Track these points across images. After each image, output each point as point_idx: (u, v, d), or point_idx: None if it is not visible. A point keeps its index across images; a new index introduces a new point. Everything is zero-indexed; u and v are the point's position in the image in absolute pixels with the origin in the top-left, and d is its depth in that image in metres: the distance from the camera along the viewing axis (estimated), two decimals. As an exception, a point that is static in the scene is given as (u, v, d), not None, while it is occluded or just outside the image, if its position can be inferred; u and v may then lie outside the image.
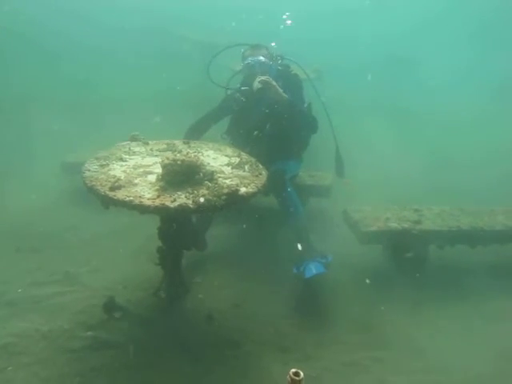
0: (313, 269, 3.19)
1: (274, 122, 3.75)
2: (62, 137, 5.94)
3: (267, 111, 3.73)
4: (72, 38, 10.38)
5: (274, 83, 3.52)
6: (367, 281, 3.50)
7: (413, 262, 3.62)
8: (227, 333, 2.87)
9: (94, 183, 2.54)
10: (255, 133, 3.77)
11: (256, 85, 3.53)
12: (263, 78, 3.51)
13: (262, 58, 3.77)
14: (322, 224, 4.27)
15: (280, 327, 2.98)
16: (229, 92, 4.01)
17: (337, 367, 2.69)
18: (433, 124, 8.07)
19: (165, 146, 3.26)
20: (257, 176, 2.86)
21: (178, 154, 2.80)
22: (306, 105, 3.86)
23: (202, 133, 3.98)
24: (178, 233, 2.98)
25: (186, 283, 3.23)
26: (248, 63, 3.80)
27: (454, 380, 2.65)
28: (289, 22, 8.89)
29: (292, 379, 1.02)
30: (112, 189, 2.48)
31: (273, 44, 3.99)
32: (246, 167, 2.98)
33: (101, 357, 2.61)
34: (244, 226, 4.27)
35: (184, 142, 3.39)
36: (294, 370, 1.02)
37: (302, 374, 1.02)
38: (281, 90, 3.54)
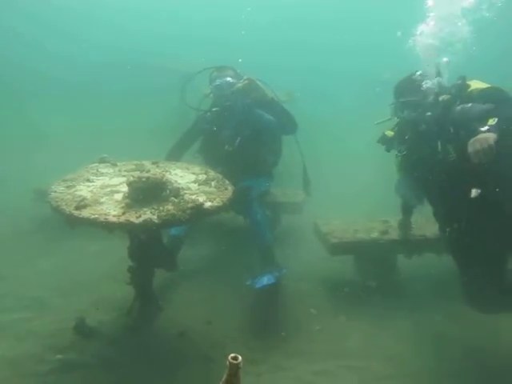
0: (265, 280, 3.31)
1: (243, 136, 3.88)
2: (38, 166, 5.96)
3: (239, 122, 3.92)
4: (49, 75, 10.55)
5: (258, 83, 3.80)
6: (345, 290, 3.59)
7: (381, 271, 3.71)
8: (199, 348, 2.87)
9: (59, 203, 2.58)
10: (226, 147, 3.88)
11: (241, 83, 3.79)
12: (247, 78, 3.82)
13: (229, 78, 3.92)
14: (294, 238, 4.35)
15: (251, 341, 3.00)
16: (200, 113, 4.14)
17: (308, 377, 2.71)
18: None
19: (133, 166, 3.32)
20: (222, 191, 2.94)
21: (145, 173, 2.88)
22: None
23: (179, 156, 4.06)
24: (148, 251, 3.01)
25: (159, 301, 3.24)
26: (216, 85, 3.95)
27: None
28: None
29: (230, 363, 1.07)
30: (77, 208, 2.52)
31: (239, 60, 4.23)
32: (213, 183, 3.06)
33: (70, 379, 2.58)
34: (218, 246, 4.33)
35: (153, 163, 3.45)
36: (232, 355, 1.08)
37: (240, 357, 1.07)
38: (262, 86, 3.82)
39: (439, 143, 2.89)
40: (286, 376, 2.69)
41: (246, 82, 3.81)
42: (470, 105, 2.77)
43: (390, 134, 3.23)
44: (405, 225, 3.68)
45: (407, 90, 3.00)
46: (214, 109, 4.00)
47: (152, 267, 3.12)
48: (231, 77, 3.93)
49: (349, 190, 5.76)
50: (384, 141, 3.26)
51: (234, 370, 1.08)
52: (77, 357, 2.75)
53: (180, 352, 2.86)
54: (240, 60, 4.24)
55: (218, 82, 3.93)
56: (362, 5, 13.15)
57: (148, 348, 2.86)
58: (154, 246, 3.10)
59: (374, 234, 3.82)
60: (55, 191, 2.79)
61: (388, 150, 3.24)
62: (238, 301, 3.47)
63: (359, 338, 3.11)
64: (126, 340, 2.92)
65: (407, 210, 3.58)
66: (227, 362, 1.08)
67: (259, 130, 3.92)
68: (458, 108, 2.85)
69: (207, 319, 3.22)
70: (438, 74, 2.95)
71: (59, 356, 2.74)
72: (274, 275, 3.36)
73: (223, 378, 1.10)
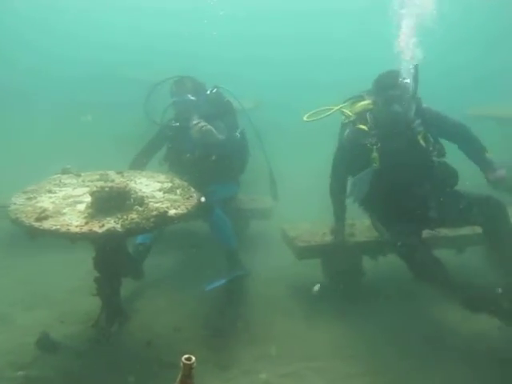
0: (216, 283, 3.38)
1: (203, 147, 3.88)
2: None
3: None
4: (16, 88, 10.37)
5: (209, 127, 3.63)
6: (315, 288, 3.60)
7: (347, 274, 3.78)
8: (166, 356, 2.84)
9: (18, 215, 2.54)
10: (187, 155, 3.88)
11: (193, 133, 3.68)
12: (198, 124, 3.63)
13: (188, 95, 3.86)
14: (262, 244, 4.40)
15: (218, 346, 3.01)
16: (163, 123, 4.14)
17: (276, 380, 2.74)
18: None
19: (97, 176, 3.30)
20: (188, 198, 2.96)
21: (109, 183, 2.87)
22: (238, 131, 4.06)
23: (144, 164, 4.05)
24: (113, 260, 2.99)
25: (126, 311, 3.21)
26: (175, 101, 3.93)
27: (385, 380, 2.77)
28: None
29: (184, 364, 1.10)
30: (38, 219, 2.49)
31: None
32: (178, 191, 3.08)
33: (32, 395, 2.52)
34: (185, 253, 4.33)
35: (117, 172, 3.44)
36: (186, 356, 1.10)
37: (193, 358, 1.10)
38: (215, 132, 3.67)
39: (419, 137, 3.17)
40: (254, 380, 2.71)
41: (199, 131, 3.64)
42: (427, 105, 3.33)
43: (363, 127, 3.26)
44: (338, 229, 3.73)
45: (392, 84, 3.10)
46: (174, 124, 4.01)
47: (118, 277, 3.10)
48: (190, 92, 3.87)
49: (317, 194, 5.85)
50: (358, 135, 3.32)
51: (188, 371, 1.10)
52: (39, 372, 2.68)
53: (147, 361, 2.84)
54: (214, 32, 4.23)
55: (175, 99, 3.90)
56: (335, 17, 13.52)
57: (114, 359, 2.82)
58: (120, 255, 3.09)
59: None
60: (15, 203, 2.75)
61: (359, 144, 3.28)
62: (205, 307, 3.48)
63: (325, 339, 3.16)
64: (92, 353, 2.87)
65: (342, 213, 3.67)
66: (181, 363, 1.10)
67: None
68: (425, 106, 3.28)
69: (175, 326, 3.21)
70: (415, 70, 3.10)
71: (21, 372, 2.67)
72: (228, 277, 3.40)
73: (177, 379, 1.12)
